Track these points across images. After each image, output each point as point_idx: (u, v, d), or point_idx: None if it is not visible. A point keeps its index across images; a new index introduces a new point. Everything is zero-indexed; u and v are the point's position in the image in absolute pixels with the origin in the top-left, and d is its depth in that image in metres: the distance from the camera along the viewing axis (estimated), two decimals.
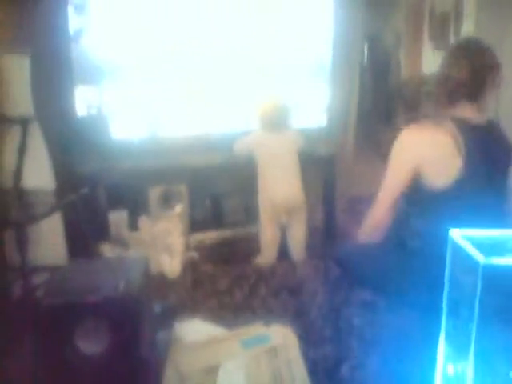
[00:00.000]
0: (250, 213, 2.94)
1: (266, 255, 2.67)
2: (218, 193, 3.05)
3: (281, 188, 2.57)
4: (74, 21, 2.60)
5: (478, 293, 0.45)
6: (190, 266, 2.63)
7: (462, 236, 0.46)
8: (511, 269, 0.43)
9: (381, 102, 6.14)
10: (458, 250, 0.46)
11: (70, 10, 2.58)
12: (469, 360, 0.47)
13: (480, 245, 0.45)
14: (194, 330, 1.18)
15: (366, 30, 5.82)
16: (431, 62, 4.93)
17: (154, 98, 2.79)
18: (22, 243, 1.64)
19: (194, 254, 2.73)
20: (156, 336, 1.06)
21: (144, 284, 0.97)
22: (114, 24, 2.68)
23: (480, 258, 0.44)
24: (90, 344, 0.85)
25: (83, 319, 0.84)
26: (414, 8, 5.43)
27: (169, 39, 2.78)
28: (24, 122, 2.10)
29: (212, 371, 1.03)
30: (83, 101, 2.63)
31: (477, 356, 0.47)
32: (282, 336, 1.16)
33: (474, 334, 0.46)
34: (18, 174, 2.03)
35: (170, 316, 1.26)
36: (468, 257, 0.45)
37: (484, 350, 0.47)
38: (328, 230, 3.08)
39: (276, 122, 2.64)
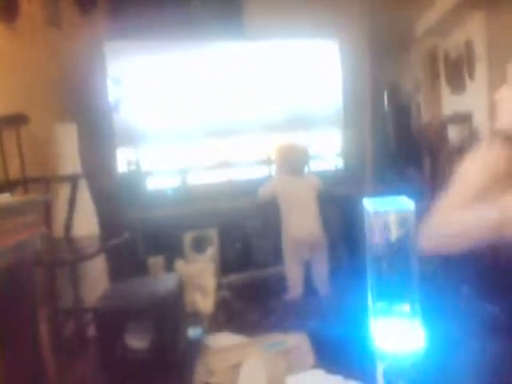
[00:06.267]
0: (278, 253, 3.12)
1: (293, 291, 2.84)
2: (246, 235, 3.27)
3: (302, 226, 2.78)
4: (112, 92, 2.99)
5: (369, 235, 0.65)
6: (221, 304, 2.82)
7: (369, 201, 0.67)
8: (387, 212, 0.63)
9: (404, 145, 6.35)
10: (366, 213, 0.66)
11: (109, 83, 2.98)
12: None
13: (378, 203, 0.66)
14: (222, 339, 1.38)
15: (385, 77, 6.15)
16: (450, 104, 5.14)
17: (183, 153, 3.13)
18: (73, 280, 1.90)
19: (226, 293, 2.93)
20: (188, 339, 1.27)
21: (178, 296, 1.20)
22: (146, 93, 3.08)
23: (371, 209, 0.65)
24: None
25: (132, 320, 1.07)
26: (429, 54, 5.74)
27: (193, 102, 3.15)
28: (73, 179, 2.41)
29: (236, 369, 1.22)
30: (123, 159, 2.99)
31: (373, 294, 0.64)
32: (297, 340, 1.34)
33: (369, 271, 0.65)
34: (68, 223, 2.33)
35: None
36: (368, 212, 0.66)
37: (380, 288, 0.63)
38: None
39: (295, 166, 2.89)
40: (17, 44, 2.50)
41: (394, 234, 0.64)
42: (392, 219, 0.64)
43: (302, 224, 2.79)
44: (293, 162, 2.91)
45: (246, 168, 3.25)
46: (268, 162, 3.19)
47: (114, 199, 2.78)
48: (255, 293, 3.00)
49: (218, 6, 3.35)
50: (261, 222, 3.19)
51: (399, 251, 0.64)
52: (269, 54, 3.28)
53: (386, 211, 0.64)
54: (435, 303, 0.74)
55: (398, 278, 0.65)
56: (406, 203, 0.66)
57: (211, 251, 2.99)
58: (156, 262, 3.02)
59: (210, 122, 3.17)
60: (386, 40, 4.51)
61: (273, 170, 3.08)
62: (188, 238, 3.05)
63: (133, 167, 3.00)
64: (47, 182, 2.42)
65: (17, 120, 2.34)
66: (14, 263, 0.98)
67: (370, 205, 0.65)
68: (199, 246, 3.05)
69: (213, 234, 3.10)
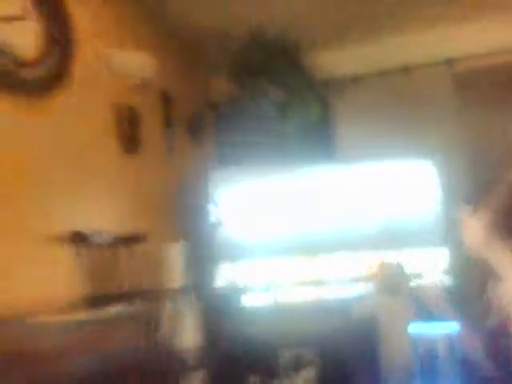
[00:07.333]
0: (379, 378, 2.93)
1: None
2: (345, 356, 3.14)
3: (399, 351, 2.62)
4: (214, 212, 3.33)
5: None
6: None
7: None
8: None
9: None
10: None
11: (212, 204, 3.33)
12: None
13: None
14: None
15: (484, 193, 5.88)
16: None
17: (278, 271, 3.27)
18: None
19: None
20: None
21: None
22: (245, 214, 3.36)
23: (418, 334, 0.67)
24: None
25: None
26: None
27: (288, 223, 3.36)
28: (179, 293, 2.62)
29: None
30: (222, 275, 3.22)
31: None
32: None
33: None
34: (173, 334, 2.48)
35: None
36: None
37: None
38: None
39: (393, 286, 2.84)
40: (138, 172, 2.95)
41: (440, 359, 0.64)
42: (437, 345, 0.65)
43: (399, 348, 2.64)
44: (391, 281, 2.87)
45: (339, 286, 3.25)
46: (363, 279, 3.17)
47: (214, 314, 2.92)
48: None
49: (309, 132, 3.66)
50: (359, 343, 3.08)
51: (444, 376, 0.64)
52: (361, 175, 3.42)
53: (430, 336, 0.66)
54: None
55: None
56: (452, 328, 0.68)
57: (309, 372, 2.92)
58: (254, 380, 3.01)
59: (304, 241, 3.31)
60: (483, 155, 4.40)
61: (367, 288, 3.05)
62: (284, 356, 3.03)
63: (230, 283, 3.19)
64: (156, 295, 2.66)
65: (135, 239, 2.68)
66: (117, 369, 1.10)
67: (418, 329, 0.67)
68: (296, 365, 3.00)
69: (310, 353, 3.05)
